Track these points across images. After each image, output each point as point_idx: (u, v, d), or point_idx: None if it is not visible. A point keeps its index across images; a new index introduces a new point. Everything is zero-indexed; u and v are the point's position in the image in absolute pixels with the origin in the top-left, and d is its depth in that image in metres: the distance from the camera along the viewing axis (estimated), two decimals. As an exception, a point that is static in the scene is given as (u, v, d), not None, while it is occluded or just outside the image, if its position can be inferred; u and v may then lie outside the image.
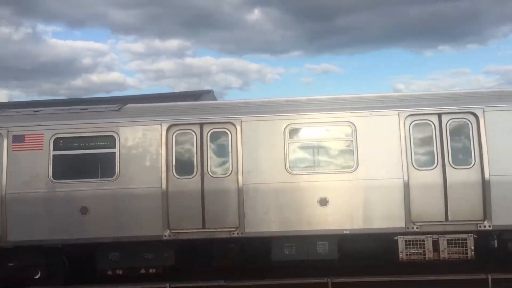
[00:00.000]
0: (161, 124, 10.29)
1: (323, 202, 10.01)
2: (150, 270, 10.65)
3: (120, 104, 11.28)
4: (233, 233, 10.08)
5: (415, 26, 53.89)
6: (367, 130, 10.18)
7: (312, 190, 10.07)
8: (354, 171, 10.08)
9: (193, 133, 10.35)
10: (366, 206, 10.02)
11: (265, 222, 10.08)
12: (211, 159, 10.30)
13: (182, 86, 65.44)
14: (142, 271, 10.66)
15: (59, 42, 61.73)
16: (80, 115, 10.72)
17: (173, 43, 62.62)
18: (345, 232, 10.07)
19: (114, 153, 10.26)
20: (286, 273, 10.13)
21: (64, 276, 10.78)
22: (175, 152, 10.30)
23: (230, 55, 67.07)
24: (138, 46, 62.51)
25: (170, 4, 55.86)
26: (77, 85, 58.74)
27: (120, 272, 10.66)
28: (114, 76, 63.22)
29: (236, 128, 10.23)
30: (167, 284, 9.68)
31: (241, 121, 10.25)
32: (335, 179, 10.11)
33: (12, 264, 10.48)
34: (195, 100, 19.62)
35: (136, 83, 62.74)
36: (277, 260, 10.45)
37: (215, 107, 11.08)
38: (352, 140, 10.19)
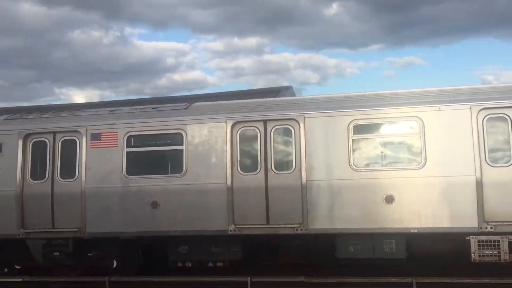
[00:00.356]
0: (226, 122, 10.52)
1: (389, 199, 9.75)
2: (218, 264, 10.97)
3: (189, 103, 11.66)
4: (297, 229, 10.10)
5: (505, 13, 50.37)
6: (436, 125, 9.76)
7: (377, 187, 9.84)
8: (422, 167, 9.72)
9: (257, 130, 10.48)
10: (435, 204, 9.62)
11: (329, 218, 10.00)
12: (275, 156, 10.37)
13: (260, 83, 66.24)
14: (210, 264, 11.00)
15: (144, 44, 64.81)
16: (151, 114, 11.24)
17: (251, 41, 63.38)
18: (412, 231, 9.74)
19: (182, 150, 10.65)
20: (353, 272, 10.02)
21: (138, 267, 11.40)
22: (240, 148, 10.49)
23: (308, 50, 66.74)
24: (218, 44, 64.04)
25: (248, 2, 56.57)
26: (161, 85, 61.37)
27: (190, 264, 11.07)
28: (195, 74, 65.29)
29: (299, 125, 10.23)
30: (248, 278, 9.66)
31: (304, 118, 10.23)
32: (402, 176, 9.81)
33: (91, 254, 11.23)
34: (274, 96, 19.66)
35: (216, 81, 64.36)
36: (342, 257, 10.34)
37: (279, 104, 11.14)
38: (420, 136, 9.82)
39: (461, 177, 9.49)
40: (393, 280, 9.32)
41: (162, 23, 60.63)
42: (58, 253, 11.16)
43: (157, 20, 59.65)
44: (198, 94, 23.41)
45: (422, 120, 9.81)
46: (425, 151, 9.73)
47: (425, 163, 9.69)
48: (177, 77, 63.35)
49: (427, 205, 9.64)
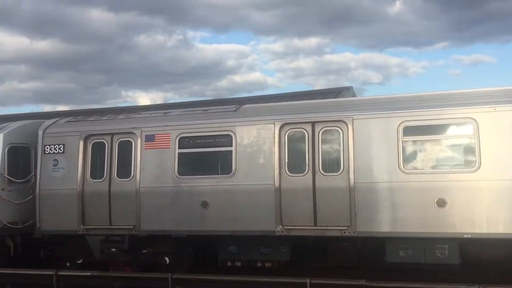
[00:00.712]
0: (274, 123, 10.60)
1: (441, 203, 9.46)
2: (266, 264, 11.07)
3: (239, 104, 11.84)
4: (345, 232, 10.01)
5: None
6: (491, 126, 9.37)
7: (428, 190, 9.56)
8: (476, 170, 9.35)
9: (305, 132, 10.48)
10: (490, 209, 9.23)
11: (377, 221, 9.84)
12: (323, 157, 10.33)
13: (320, 84, 65.76)
14: (259, 264, 11.12)
15: (206, 47, 66.17)
16: (202, 116, 11.51)
17: (312, 41, 63.04)
18: (466, 236, 9.39)
19: (231, 151, 10.83)
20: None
21: (190, 264, 11.72)
22: (288, 150, 10.53)
23: (369, 49, 65.46)
24: (278, 46, 64.22)
25: (309, 3, 56.32)
26: (222, 86, 62.42)
27: (239, 264, 11.24)
28: (255, 76, 65.84)
29: (347, 126, 10.14)
30: (308, 280, 9.57)
31: (353, 119, 10.12)
32: (454, 179, 9.49)
33: (145, 251, 11.66)
34: (335, 97, 19.46)
35: (276, 82, 64.58)
36: (392, 261, 10.13)
37: (327, 105, 11.06)
38: (475, 138, 9.46)
39: (519, 181, 9.05)
40: (461, 287, 8.94)
41: (224, 26, 61.74)
42: (114, 249, 11.65)
43: (219, 23, 60.80)
44: (257, 96, 23.53)
45: (476, 122, 9.44)
46: (480, 153, 9.36)
47: (480, 166, 9.32)
48: (237, 78, 64.24)
49: (482, 209, 9.27)
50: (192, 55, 61.05)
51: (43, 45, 57.65)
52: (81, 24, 52.82)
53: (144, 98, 62.91)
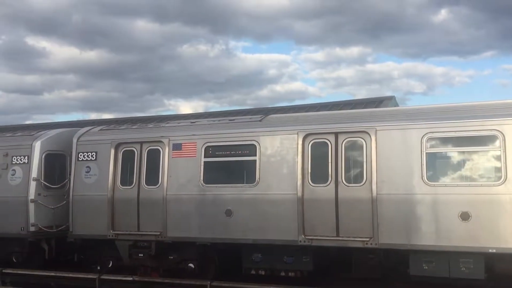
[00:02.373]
0: (297, 134, 10.70)
1: (465, 216, 9.30)
2: (289, 274, 11.12)
3: (264, 114, 11.98)
4: (367, 243, 9.97)
5: None
6: (518, 139, 9.16)
7: (452, 203, 9.43)
8: (502, 184, 9.17)
9: (328, 142, 10.52)
10: (516, 224, 9.02)
11: (400, 233, 9.76)
12: (346, 168, 10.34)
13: (362, 93, 65.14)
14: (282, 273, 11.19)
15: (248, 56, 66.87)
16: (228, 126, 11.72)
17: (354, 50, 62.69)
18: (490, 250, 9.19)
19: (255, 160, 10.98)
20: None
21: (214, 271, 11.89)
22: (311, 160, 10.59)
23: (413, 58, 64.46)
24: (319, 55, 64.18)
25: (350, 12, 56.10)
26: (263, 95, 62.80)
27: (263, 272, 11.34)
28: (297, 85, 65.94)
29: (370, 137, 10.12)
30: None
31: (376, 130, 10.10)
32: (479, 192, 9.32)
33: (171, 257, 11.92)
34: (376, 107, 19.26)
35: (316, 92, 64.46)
36: (415, 274, 10.00)
37: (351, 116, 11.08)
38: (501, 150, 9.27)
39: (547, 195, 8.81)
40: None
41: (265, 35, 62.20)
42: (142, 255, 11.97)
43: (261, 33, 61.34)
44: (298, 105, 23.37)
45: (503, 134, 9.27)
46: (506, 166, 9.17)
47: (506, 179, 9.13)
48: (278, 88, 64.53)
49: (507, 223, 9.06)
50: (233, 64, 61.90)
51: (91, 55, 59.84)
52: (127, 34, 54.55)
53: (185, 107, 64.11)
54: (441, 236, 9.46)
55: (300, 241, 10.43)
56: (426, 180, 9.63)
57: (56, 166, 13.73)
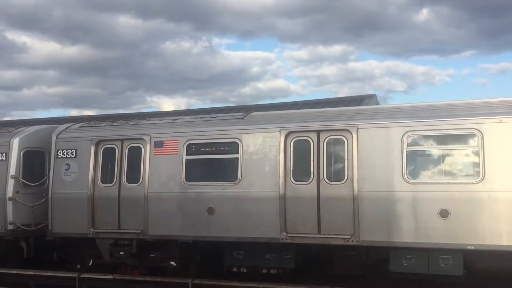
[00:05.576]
0: (279, 131, 10.71)
1: (444, 213, 9.44)
2: (271, 271, 11.15)
3: (246, 112, 11.97)
4: (348, 241, 10.05)
5: None
6: (496, 138, 9.33)
7: (431, 201, 9.56)
8: (480, 182, 9.32)
9: (310, 140, 10.57)
10: (493, 220, 9.19)
11: (381, 231, 9.85)
12: (327, 166, 10.41)
13: (344, 91, 65.64)
14: (264, 271, 11.21)
15: (231, 53, 66.87)
16: (209, 123, 11.68)
17: (336, 49, 63.06)
18: (469, 247, 9.35)
19: (237, 158, 10.97)
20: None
21: (196, 269, 11.87)
22: (293, 158, 10.63)
23: (395, 57, 65.19)
24: (302, 53, 64.47)
25: (334, 10, 56.40)
26: (245, 93, 62.75)
27: (245, 270, 11.33)
28: (279, 83, 66.14)
29: (352, 135, 10.20)
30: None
31: (358, 128, 10.18)
32: (458, 190, 9.47)
33: (153, 256, 11.85)
34: (357, 105, 19.40)
35: (299, 89, 64.69)
36: (396, 271, 10.12)
37: (332, 114, 11.14)
38: (479, 149, 9.43)
39: (523, 193, 8.98)
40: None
41: (249, 33, 62.30)
42: (123, 253, 11.87)
43: (245, 30, 61.31)
44: (280, 103, 23.31)
45: (481, 132, 9.42)
46: (484, 164, 9.32)
47: (484, 177, 9.29)
48: (261, 85, 64.59)
49: (486, 221, 9.23)
50: (217, 61, 61.74)
51: (72, 51, 59.09)
52: (109, 30, 53.94)
53: (168, 104, 63.70)
54: (420, 233, 9.58)
55: (282, 239, 10.46)
56: (406, 178, 9.74)
57: (35, 164, 13.50)
